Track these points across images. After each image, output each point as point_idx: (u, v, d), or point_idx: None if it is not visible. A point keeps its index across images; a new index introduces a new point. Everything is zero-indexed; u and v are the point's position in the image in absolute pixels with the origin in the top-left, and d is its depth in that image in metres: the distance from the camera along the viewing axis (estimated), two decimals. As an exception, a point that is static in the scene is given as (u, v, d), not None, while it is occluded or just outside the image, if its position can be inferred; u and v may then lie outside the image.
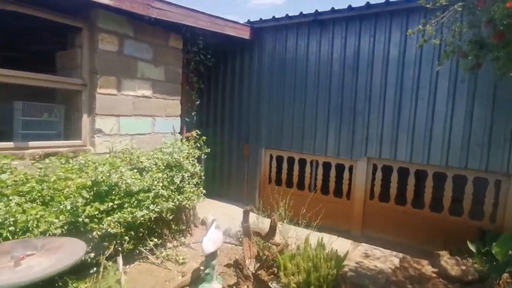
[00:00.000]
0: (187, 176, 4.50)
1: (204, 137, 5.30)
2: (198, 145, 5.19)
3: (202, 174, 4.98)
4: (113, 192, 3.36)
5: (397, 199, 4.81)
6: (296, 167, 5.78)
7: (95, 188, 3.20)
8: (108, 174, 3.28)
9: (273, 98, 5.82)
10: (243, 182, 6.36)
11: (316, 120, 5.34)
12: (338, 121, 5.10)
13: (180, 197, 4.34)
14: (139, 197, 3.67)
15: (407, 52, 4.52)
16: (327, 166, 5.47)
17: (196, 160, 4.87)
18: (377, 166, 4.93)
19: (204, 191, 4.90)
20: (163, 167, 4.19)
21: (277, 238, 4.19)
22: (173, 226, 4.46)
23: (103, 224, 3.17)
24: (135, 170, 3.88)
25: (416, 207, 4.66)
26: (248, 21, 5.68)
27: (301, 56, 5.43)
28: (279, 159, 5.99)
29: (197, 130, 5.39)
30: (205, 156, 5.19)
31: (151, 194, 3.77)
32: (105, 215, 3.25)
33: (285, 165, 5.93)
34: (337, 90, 5.09)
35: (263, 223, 4.44)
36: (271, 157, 6.06)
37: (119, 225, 3.35)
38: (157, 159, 4.18)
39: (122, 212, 3.42)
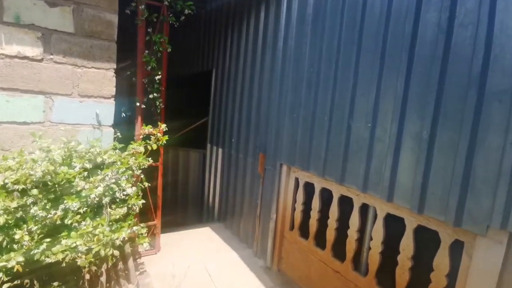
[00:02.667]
0: (76, 207, 2.40)
1: (166, 137, 3.09)
2: (145, 149, 3.01)
3: (136, 201, 2.78)
4: None
5: None
6: (334, 211, 2.84)
7: None
8: None
9: (301, 77, 3.03)
10: (255, 217, 3.81)
11: (375, 122, 2.30)
12: (428, 123, 1.94)
13: (54, 250, 2.30)
14: None
15: None
16: (394, 224, 2.37)
17: (127, 178, 2.71)
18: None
19: (127, 231, 2.68)
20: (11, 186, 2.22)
21: None
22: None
23: None
24: None
25: None
26: None
27: (358, -20, 2.46)
28: (309, 189, 3.16)
29: (162, 125, 3.21)
30: (139, 172, 2.93)
31: None
32: None
33: (316, 203, 3.06)
34: (430, 56, 1.92)
35: None
36: (297, 182, 3.29)
37: None
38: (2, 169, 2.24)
39: None
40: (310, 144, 2.91)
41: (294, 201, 3.32)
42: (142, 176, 3.13)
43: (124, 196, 2.67)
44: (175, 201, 5.78)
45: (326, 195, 2.97)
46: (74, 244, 2.33)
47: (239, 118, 4.21)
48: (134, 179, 3.04)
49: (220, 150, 4.79)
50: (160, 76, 3.13)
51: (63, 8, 2.57)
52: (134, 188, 2.82)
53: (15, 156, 2.34)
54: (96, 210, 2.66)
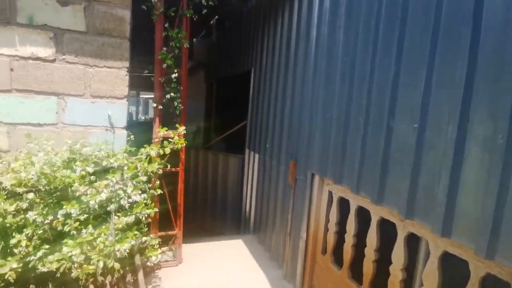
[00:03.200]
0: (74, 213, 2.25)
1: (182, 140, 2.85)
2: (161, 153, 2.78)
3: (143, 210, 2.55)
4: None
5: None
6: (372, 238, 2.20)
7: None
8: None
9: (334, 68, 2.48)
10: (286, 233, 3.31)
11: (424, 121, 1.65)
12: (504, 123, 1.26)
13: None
14: None
15: None
16: (456, 263, 1.66)
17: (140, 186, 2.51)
18: None
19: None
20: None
21: None
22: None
23: None
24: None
25: None
26: None
27: None
28: (344, 206, 2.56)
29: (181, 127, 2.97)
30: (145, 178, 2.67)
31: None
32: None
33: (351, 225, 2.44)
34: (504, 23, 1.26)
35: None
36: (330, 196, 2.72)
37: None
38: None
39: None
40: (344, 150, 2.34)
41: (327, 220, 2.75)
42: (158, 182, 2.92)
43: (129, 204, 2.46)
44: (214, 208, 5.58)
45: (366, 215, 2.35)
46: (70, 254, 2.18)
47: (273, 120, 3.77)
48: (150, 185, 2.85)
49: (256, 156, 4.41)
50: (177, 74, 2.88)
51: (75, 7, 2.50)
52: (143, 195, 2.60)
53: (23, 157, 2.30)
54: (104, 217, 2.52)
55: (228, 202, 5.36)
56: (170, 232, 3.26)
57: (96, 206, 2.29)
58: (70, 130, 2.59)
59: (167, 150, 2.76)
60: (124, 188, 2.46)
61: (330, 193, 2.71)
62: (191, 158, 5.87)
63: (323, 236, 2.78)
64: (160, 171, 2.85)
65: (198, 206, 5.86)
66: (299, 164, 3.05)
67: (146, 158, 2.64)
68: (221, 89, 7.61)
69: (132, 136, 2.78)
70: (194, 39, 8.22)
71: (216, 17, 6.25)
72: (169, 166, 2.98)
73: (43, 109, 2.53)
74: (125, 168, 2.52)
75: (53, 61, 2.51)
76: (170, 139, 2.94)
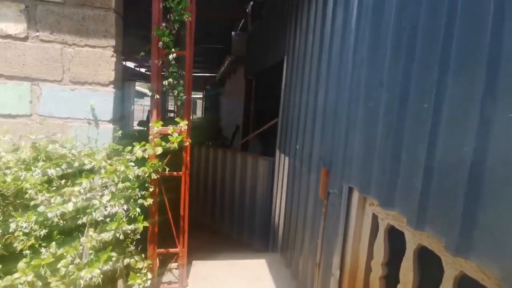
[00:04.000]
0: (26, 228, 1.76)
1: (180, 138, 2.26)
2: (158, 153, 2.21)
3: (122, 226, 1.99)
4: None
5: None
6: (443, 301, 1.34)
7: None
8: None
9: (383, 36, 1.66)
10: (314, 264, 2.53)
11: None
12: None
13: None
14: None
15: None
16: None
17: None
18: None
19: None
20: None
21: None
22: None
23: None
24: None
25: None
26: None
27: None
28: (395, 235, 1.71)
29: (182, 122, 2.39)
30: (122, 184, 2.07)
31: None
32: None
33: (409, 274, 1.58)
34: None
35: None
36: (375, 221, 1.89)
37: None
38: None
39: None
40: (396, 158, 1.51)
41: (369, 256, 1.92)
42: (152, 189, 2.36)
43: (102, 218, 1.92)
44: (242, 216, 4.95)
45: (425, 254, 1.50)
46: (18, 281, 1.70)
47: (304, 115, 3.02)
48: (144, 192, 2.31)
49: (286, 159, 3.68)
50: (175, 55, 2.29)
51: (49, -29, 2.05)
52: (126, 206, 2.06)
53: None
54: (82, 230, 2.02)
55: (256, 211, 4.69)
56: (172, 250, 2.69)
57: (57, 219, 1.79)
58: (45, 122, 2.15)
59: (158, 150, 2.18)
60: (98, 197, 1.94)
61: (375, 216, 1.88)
62: (218, 159, 5.32)
63: (364, 279, 1.95)
64: (155, 176, 2.29)
65: (225, 213, 5.29)
66: (333, 173, 2.26)
67: (126, 160, 2.08)
68: (260, 84, 7.01)
69: (120, 132, 2.26)
70: (232, 33, 7.72)
71: (252, 3, 5.65)
72: (167, 169, 2.41)
73: (15, 98, 2.12)
74: (102, 171, 1.99)
75: (25, 39, 2.09)
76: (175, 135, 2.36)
